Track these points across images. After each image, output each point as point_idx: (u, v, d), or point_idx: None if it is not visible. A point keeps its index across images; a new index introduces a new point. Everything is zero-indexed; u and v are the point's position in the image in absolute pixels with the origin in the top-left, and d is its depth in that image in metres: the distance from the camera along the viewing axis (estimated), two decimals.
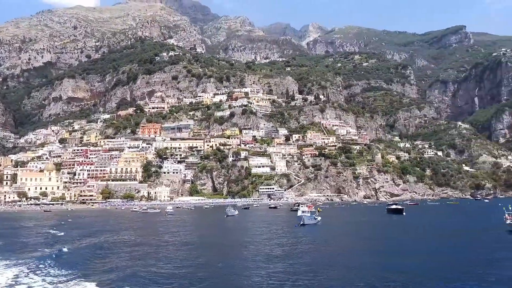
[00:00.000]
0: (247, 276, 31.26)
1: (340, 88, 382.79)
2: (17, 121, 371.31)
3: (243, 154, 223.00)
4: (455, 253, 40.61)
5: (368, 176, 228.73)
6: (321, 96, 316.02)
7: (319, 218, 75.59)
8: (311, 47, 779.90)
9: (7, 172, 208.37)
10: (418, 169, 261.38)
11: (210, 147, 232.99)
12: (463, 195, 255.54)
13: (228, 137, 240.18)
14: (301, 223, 68.73)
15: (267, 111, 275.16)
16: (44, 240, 56.33)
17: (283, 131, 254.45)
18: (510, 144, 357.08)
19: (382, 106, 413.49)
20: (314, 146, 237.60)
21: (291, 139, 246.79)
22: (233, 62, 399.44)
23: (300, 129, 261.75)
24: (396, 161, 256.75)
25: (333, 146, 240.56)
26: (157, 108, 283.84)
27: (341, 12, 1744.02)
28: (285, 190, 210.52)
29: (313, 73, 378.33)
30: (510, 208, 56.02)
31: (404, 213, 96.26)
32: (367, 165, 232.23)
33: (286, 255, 40.68)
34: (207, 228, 74.09)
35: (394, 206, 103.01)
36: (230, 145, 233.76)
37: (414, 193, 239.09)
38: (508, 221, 50.64)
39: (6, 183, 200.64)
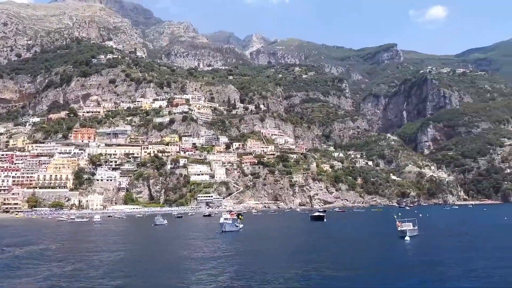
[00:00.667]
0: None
1: (280, 98, 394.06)
2: None
3: (182, 161, 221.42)
4: (336, 254, 45.07)
5: (304, 184, 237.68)
6: (262, 106, 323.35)
7: (241, 226, 77.62)
8: (254, 57, 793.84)
9: None
10: (350, 177, 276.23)
11: (148, 154, 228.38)
12: (390, 202, 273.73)
13: (167, 144, 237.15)
14: (223, 230, 70.74)
15: (208, 118, 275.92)
16: None
17: (223, 139, 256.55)
18: (434, 156, 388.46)
19: (319, 117, 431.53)
20: (253, 155, 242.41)
21: (231, 147, 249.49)
22: (175, 68, 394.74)
23: (240, 137, 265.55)
24: (330, 170, 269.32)
25: (271, 154, 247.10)
26: (92, 113, 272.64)
27: (284, 24, 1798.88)
28: (223, 198, 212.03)
29: (255, 82, 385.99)
30: (399, 215, 63.93)
31: (324, 220, 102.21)
32: (303, 173, 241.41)
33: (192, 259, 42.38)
34: (128, 237, 73.19)
35: (316, 214, 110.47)
36: (169, 152, 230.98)
37: (345, 200, 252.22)
38: (399, 228, 55.85)
39: None
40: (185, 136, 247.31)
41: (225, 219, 75.96)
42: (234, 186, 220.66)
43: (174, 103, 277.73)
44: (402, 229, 56.36)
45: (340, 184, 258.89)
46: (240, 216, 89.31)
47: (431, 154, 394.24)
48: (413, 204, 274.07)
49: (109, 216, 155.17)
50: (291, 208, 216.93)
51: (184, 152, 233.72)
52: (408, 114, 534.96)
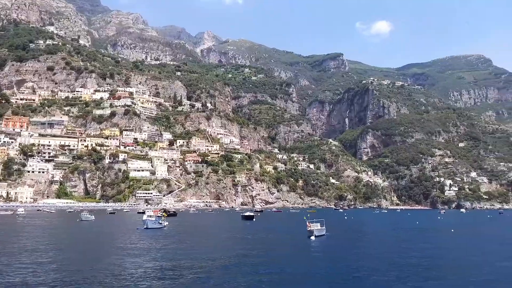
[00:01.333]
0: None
1: (229, 98, 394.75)
2: None
3: (121, 156, 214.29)
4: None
5: (247, 184, 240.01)
6: (209, 104, 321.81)
7: (166, 223, 78.84)
8: (204, 55, 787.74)
9: None
10: (292, 179, 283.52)
11: (85, 146, 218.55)
12: (328, 204, 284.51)
13: (107, 138, 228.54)
14: (145, 226, 71.93)
15: (152, 113, 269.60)
16: None
17: (167, 136, 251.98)
18: (371, 162, 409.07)
19: (266, 119, 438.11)
20: (197, 153, 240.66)
21: (175, 144, 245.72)
22: (120, 59, 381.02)
23: (185, 135, 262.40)
24: (273, 171, 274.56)
25: (216, 153, 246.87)
26: (26, 100, 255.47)
27: (236, 25, 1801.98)
28: (164, 196, 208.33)
29: (203, 80, 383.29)
30: (308, 217, 71.56)
31: (254, 220, 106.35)
32: (247, 173, 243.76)
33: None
34: (44, 231, 70.68)
35: (247, 214, 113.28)
36: (108, 146, 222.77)
37: (286, 201, 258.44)
38: (308, 228, 61.09)
39: None
40: (127, 130, 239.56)
41: (148, 216, 77.00)
42: (175, 184, 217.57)
43: (117, 95, 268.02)
44: (310, 229, 60.97)
45: (281, 185, 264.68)
46: (164, 214, 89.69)
47: (368, 160, 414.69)
48: (349, 207, 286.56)
49: (38, 210, 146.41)
50: (232, 207, 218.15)
51: (125, 147, 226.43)
52: (350, 121, 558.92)
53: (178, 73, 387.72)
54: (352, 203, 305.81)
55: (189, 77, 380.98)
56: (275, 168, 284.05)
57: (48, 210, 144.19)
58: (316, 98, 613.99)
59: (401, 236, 70.14)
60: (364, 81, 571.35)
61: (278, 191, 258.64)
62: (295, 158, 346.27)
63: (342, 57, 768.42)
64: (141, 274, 30.49)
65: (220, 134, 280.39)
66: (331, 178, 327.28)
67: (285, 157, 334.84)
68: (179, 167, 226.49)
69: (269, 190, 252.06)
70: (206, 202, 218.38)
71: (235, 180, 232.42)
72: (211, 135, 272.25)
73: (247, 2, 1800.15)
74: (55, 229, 76.69)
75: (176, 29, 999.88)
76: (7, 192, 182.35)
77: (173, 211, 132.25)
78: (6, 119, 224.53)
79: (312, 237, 58.38)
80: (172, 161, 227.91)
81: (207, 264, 34.92)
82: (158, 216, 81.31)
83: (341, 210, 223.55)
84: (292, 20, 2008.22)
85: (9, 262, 34.28)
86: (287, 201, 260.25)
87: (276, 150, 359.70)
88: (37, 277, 28.91)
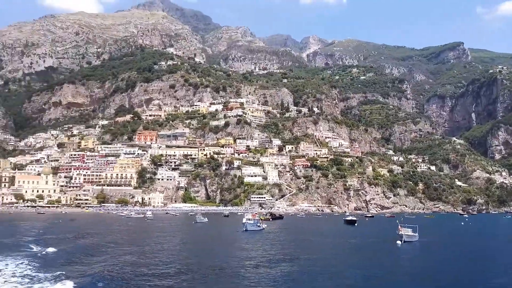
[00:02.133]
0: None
1: (336, 100, 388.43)
2: (18, 125, 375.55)
3: (236, 163, 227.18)
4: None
5: (359, 188, 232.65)
6: (315, 109, 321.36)
7: (264, 226, 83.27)
8: (310, 59, 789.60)
9: (5, 175, 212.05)
10: (410, 182, 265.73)
11: (204, 155, 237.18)
12: (455, 209, 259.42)
13: (222, 146, 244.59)
14: (244, 229, 76.82)
15: (262, 121, 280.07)
16: (31, 240, 59.77)
17: (276, 142, 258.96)
18: (505, 161, 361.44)
19: (378, 119, 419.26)
20: (306, 157, 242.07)
21: (284, 150, 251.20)
22: (230, 72, 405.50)
23: (293, 140, 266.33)
24: (388, 174, 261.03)
25: (325, 157, 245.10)
26: (154, 116, 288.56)
27: (342, 25, 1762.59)
28: (276, 200, 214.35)
29: (309, 85, 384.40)
30: (402, 220, 70.26)
31: (356, 224, 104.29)
32: (358, 177, 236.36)
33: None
34: (164, 231, 79.64)
35: (349, 218, 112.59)
36: (224, 154, 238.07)
37: (404, 206, 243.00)
38: (399, 232, 60.38)
39: (4, 185, 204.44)
40: (239, 138, 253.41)
41: (247, 219, 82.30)
42: (286, 188, 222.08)
43: (229, 106, 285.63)
44: (400, 233, 60.89)
45: (398, 189, 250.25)
46: (261, 217, 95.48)
47: (502, 159, 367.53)
48: (479, 211, 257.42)
49: (166, 213, 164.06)
50: (344, 212, 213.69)
51: (238, 154, 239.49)
52: (478, 116, 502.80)
53: (285, 80, 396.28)
54: (484, 207, 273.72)
55: (295, 83, 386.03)
56: (390, 171, 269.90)
57: (173, 213, 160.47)
58: (435, 93, 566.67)
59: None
60: (491, 71, 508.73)
61: (394, 195, 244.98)
62: (413, 160, 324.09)
63: (462, 46, 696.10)
64: (237, 267, 32.92)
65: (328, 137, 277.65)
66: (456, 180, 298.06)
67: (401, 158, 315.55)
68: (289, 172, 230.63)
69: (384, 195, 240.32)
70: (318, 206, 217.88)
71: (347, 184, 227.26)
72: (319, 139, 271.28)
73: (351, 1, 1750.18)
74: (171, 229, 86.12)
75: (281, 37, 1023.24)
76: (142, 198, 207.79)
77: (279, 215, 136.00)
78: (139, 133, 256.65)
79: (399, 242, 57.11)
80: (282, 166, 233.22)
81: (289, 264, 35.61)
82: (256, 219, 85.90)
83: (465, 216, 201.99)
84: (401, 13, 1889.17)
85: (139, 253, 40.00)
86: (406, 205, 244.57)
87: (390, 152, 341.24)
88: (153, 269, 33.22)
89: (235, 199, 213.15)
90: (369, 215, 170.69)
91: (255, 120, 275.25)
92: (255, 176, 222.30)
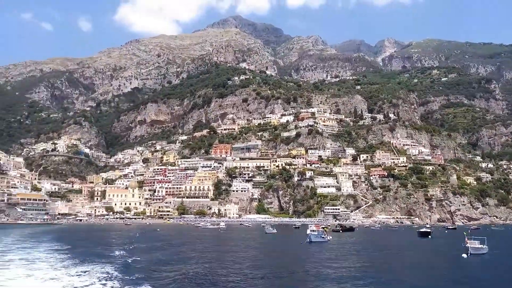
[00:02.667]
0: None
1: (415, 105, 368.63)
2: (108, 142, 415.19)
3: (308, 174, 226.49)
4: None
5: (442, 198, 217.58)
6: (391, 115, 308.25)
7: (329, 237, 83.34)
8: (386, 63, 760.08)
9: (97, 189, 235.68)
10: (502, 191, 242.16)
11: (276, 166, 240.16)
12: None
13: (294, 157, 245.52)
14: (308, 240, 76.76)
15: (334, 130, 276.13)
16: (118, 249, 66.03)
17: (350, 151, 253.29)
18: None
19: (463, 123, 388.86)
20: (382, 167, 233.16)
21: (358, 159, 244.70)
22: (301, 83, 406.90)
23: (368, 149, 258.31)
24: (475, 182, 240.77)
25: (403, 166, 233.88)
26: (228, 130, 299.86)
27: (419, 25, 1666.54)
28: (351, 211, 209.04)
29: (384, 90, 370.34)
30: (469, 233, 67.28)
31: (430, 236, 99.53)
32: (441, 186, 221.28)
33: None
34: (236, 241, 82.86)
35: (423, 230, 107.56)
36: (296, 165, 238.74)
37: (494, 217, 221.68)
38: (466, 244, 58.65)
39: (97, 199, 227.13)
40: (311, 148, 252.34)
41: (311, 230, 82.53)
42: (362, 199, 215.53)
43: (300, 117, 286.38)
44: (466, 246, 58.94)
45: (487, 199, 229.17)
46: (325, 228, 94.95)
47: None
48: None
49: (240, 224, 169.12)
50: (426, 224, 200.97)
51: (311, 165, 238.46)
52: None
53: (358, 87, 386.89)
54: None
55: (369, 89, 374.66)
56: (478, 179, 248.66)
57: (247, 224, 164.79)
58: None
59: None
60: None
61: (483, 205, 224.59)
62: (505, 166, 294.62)
63: None
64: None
65: (406, 145, 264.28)
66: None
67: (490, 165, 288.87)
68: (364, 182, 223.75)
69: (471, 205, 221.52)
70: (397, 218, 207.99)
71: (428, 194, 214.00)
72: (396, 147, 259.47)
73: None
74: (240, 239, 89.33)
75: (354, 43, 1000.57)
76: (219, 209, 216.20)
77: (350, 226, 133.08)
78: (214, 147, 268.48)
79: (464, 255, 55.37)
80: (357, 177, 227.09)
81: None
82: (320, 230, 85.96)
83: None
84: (485, 6, 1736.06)
85: (212, 261, 42.85)
86: (496, 216, 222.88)
87: (478, 158, 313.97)
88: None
89: (308, 210, 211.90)
90: (451, 227, 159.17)
91: (327, 130, 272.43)
92: (328, 187, 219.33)
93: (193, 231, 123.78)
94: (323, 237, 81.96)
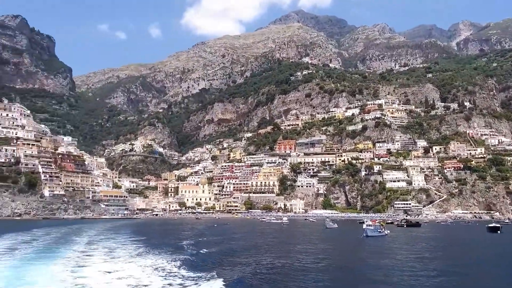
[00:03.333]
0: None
1: (494, 91, 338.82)
2: (180, 142, 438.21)
3: (376, 168, 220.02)
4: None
5: None
6: (467, 103, 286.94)
7: (387, 232, 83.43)
8: (461, 48, 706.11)
9: (171, 186, 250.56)
10: None
11: (342, 161, 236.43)
12: None
13: (361, 151, 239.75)
14: (364, 234, 78.21)
15: (403, 122, 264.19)
16: (188, 241, 70.11)
17: (421, 143, 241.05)
18: None
19: None
20: (458, 158, 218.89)
21: (431, 151, 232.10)
22: (367, 74, 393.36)
23: (441, 140, 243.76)
24: None
25: (481, 158, 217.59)
26: (292, 125, 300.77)
27: (497, 4, 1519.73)
28: (424, 206, 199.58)
29: (459, 77, 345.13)
30: None
31: (499, 232, 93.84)
32: None
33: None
34: (296, 235, 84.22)
35: (492, 225, 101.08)
36: (363, 159, 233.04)
37: None
38: None
39: (171, 195, 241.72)
40: (379, 142, 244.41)
41: (367, 225, 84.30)
42: (435, 194, 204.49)
43: (366, 109, 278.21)
44: None
45: None
46: (382, 223, 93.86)
47: None
48: None
49: (305, 219, 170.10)
50: (509, 218, 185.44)
51: (378, 159, 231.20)
52: None
53: (429, 75, 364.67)
54: None
55: (442, 77, 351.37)
56: None
57: (311, 219, 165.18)
58: None
59: None
60: None
61: None
62: None
63: None
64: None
65: (484, 135, 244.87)
66: None
67: None
68: (437, 175, 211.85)
69: None
70: (475, 213, 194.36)
71: (510, 187, 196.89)
72: (473, 137, 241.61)
73: None
74: (299, 234, 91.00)
75: (425, 28, 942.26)
76: (284, 204, 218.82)
77: (416, 222, 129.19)
78: (279, 143, 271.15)
79: None
80: (429, 170, 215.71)
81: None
82: (376, 225, 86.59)
83: None
84: None
85: (275, 255, 44.92)
86: None
87: None
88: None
89: (377, 205, 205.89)
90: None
91: (395, 122, 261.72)
92: (398, 181, 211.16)
93: (258, 225, 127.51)
94: (380, 232, 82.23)
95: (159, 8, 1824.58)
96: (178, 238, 76.65)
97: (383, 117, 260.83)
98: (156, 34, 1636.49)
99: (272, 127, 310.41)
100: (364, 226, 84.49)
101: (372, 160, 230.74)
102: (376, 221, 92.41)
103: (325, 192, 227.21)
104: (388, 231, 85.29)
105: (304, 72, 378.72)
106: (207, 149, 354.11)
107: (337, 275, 38.41)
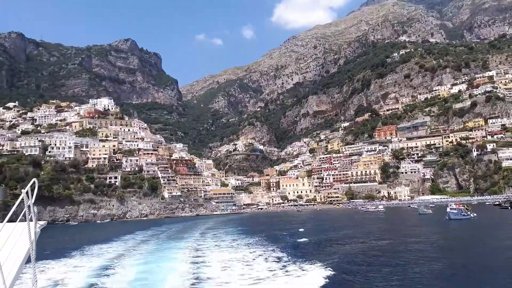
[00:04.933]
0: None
1: None
2: (278, 137, 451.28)
3: (489, 146, 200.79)
4: None
5: None
6: None
7: (473, 215, 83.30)
8: None
9: (272, 181, 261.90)
10: None
11: (450, 142, 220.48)
12: None
13: (471, 130, 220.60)
14: (447, 218, 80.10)
15: None
16: (288, 232, 73.62)
17: None
18: None
19: None
20: None
21: None
22: (473, 45, 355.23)
23: None
24: None
25: None
26: (391, 110, 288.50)
27: None
28: None
29: None
30: None
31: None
32: None
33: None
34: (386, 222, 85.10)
35: None
36: (473, 138, 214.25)
37: None
38: None
39: (273, 189, 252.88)
40: (491, 118, 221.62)
41: (451, 208, 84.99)
42: None
43: (475, 84, 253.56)
44: None
45: None
46: (466, 206, 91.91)
47: None
48: None
49: (408, 206, 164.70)
50: None
51: (492, 136, 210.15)
52: None
53: None
54: None
55: None
56: None
57: (412, 206, 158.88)
58: None
59: None
60: None
61: None
62: None
63: None
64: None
65: None
66: None
67: None
68: None
69: None
70: None
71: None
72: None
73: None
74: (388, 221, 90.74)
75: None
76: (388, 192, 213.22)
77: None
78: (378, 130, 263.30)
79: None
80: None
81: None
82: (460, 208, 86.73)
83: None
84: None
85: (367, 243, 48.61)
86: None
87: None
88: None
89: (493, 187, 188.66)
90: None
91: (510, 94, 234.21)
92: None
93: (356, 215, 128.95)
94: (464, 215, 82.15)
95: (250, 9, 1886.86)
96: (280, 228, 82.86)
97: (494, 90, 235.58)
98: (249, 35, 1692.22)
99: (369, 114, 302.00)
100: (448, 209, 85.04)
101: (485, 139, 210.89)
102: (461, 205, 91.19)
103: (432, 177, 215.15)
104: (475, 214, 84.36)
105: (401, 52, 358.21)
106: (304, 142, 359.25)
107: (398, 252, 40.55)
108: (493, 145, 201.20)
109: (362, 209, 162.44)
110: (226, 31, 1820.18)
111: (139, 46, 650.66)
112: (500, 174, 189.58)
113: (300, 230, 76.25)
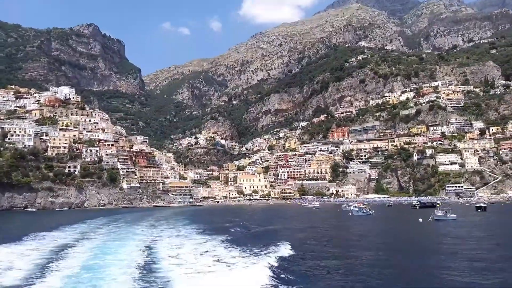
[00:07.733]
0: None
1: None
2: (240, 133, 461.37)
3: (428, 152, 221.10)
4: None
5: None
6: None
7: (371, 211, 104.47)
8: None
9: (231, 175, 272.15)
10: None
11: (394, 146, 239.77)
12: None
13: (414, 136, 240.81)
14: (350, 214, 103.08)
15: (459, 104, 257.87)
16: (234, 224, 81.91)
17: (478, 125, 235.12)
18: None
19: None
20: None
21: (487, 133, 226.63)
22: (423, 55, 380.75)
23: (499, 120, 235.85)
24: None
25: None
26: (345, 113, 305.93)
27: None
28: (477, 189, 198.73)
29: None
30: None
31: (486, 211, 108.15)
32: None
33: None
34: (306, 217, 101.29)
35: (478, 205, 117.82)
36: (416, 143, 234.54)
37: None
38: None
39: (231, 184, 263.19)
40: (433, 125, 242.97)
41: (354, 207, 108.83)
42: (490, 176, 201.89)
43: (421, 93, 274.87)
44: None
45: None
46: (364, 205, 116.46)
47: None
48: None
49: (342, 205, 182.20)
50: None
51: (432, 142, 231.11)
52: None
53: (493, 51, 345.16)
54: None
55: (507, 52, 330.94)
56: None
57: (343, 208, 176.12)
58: None
59: None
60: None
61: None
62: None
63: None
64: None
65: None
66: None
67: None
68: (492, 157, 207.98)
69: None
70: None
71: None
72: None
73: None
74: (320, 215, 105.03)
75: None
76: (336, 190, 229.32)
77: (431, 203, 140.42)
78: (332, 131, 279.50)
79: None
80: (484, 152, 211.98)
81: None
82: (361, 206, 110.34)
83: None
84: None
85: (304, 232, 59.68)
86: None
87: None
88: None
89: (429, 189, 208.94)
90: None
91: (451, 104, 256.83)
92: (451, 164, 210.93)
93: (293, 209, 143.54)
94: (363, 212, 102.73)
95: (218, 0, 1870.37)
96: (232, 221, 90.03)
97: (437, 100, 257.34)
98: (217, 27, 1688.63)
99: (325, 115, 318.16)
100: (351, 207, 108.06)
101: (425, 144, 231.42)
102: (361, 204, 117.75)
103: (377, 177, 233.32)
104: (373, 211, 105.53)
105: (359, 58, 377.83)
106: (264, 139, 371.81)
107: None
108: (432, 151, 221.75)
109: (303, 205, 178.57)
110: (193, 22, 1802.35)
111: (102, 31, 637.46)
112: (436, 177, 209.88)
113: (245, 223, 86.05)
